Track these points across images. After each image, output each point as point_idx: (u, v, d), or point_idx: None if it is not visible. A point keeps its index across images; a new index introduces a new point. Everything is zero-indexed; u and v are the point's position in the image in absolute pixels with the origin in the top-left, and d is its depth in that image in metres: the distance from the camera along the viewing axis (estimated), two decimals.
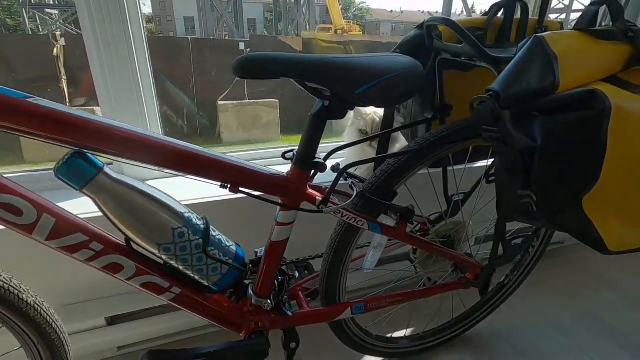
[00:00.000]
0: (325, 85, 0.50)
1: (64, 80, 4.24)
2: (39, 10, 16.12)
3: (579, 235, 0.53)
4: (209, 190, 0.89)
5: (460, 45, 0.58)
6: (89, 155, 0.46)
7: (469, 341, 1.04)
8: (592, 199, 0.49)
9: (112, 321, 0.92)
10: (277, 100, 4.61)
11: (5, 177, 0.44)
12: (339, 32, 18.80)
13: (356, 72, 0.50)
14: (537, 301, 1.18)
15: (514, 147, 0.49)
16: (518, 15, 0.72)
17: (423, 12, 32.47)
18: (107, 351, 0.95)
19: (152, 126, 0.95)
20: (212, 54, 5.82)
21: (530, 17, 0.75)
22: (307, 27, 20.36)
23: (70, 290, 0.89)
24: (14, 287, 0.53)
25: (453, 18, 0.65)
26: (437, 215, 0.83)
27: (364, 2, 32.44)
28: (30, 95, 0.42)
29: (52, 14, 16.80)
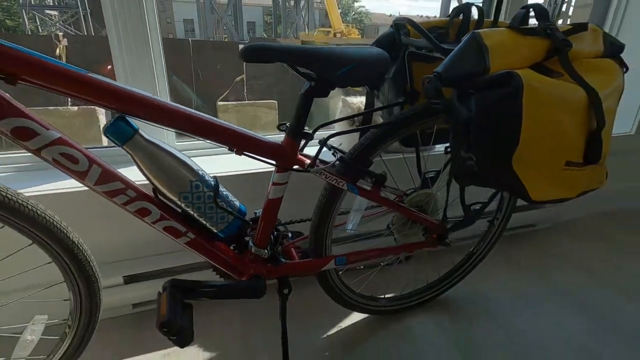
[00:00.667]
0: (312, 69, 0.64)
1: None
2: (39, 12, 16.25)
3: (511, 190, 0.67)
4: (219, 166, 1.04)
5: (419, 40, 0.73)
6: (129, 119, 0.61)
7: (446, 304, 1.17)
8: (517, 159, 0.63)
9: (129, 280, 1.06)
10: (276, 102, 4.74)
11: (66, 135, 0.58)
12: (338, 35, 19.05)
13: (337, 58, 0.64)
14: (509, 276, 1.32)
15: (458, 117, 0.64)
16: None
17: (421, 16, 32.89)
18: (124, 307, 1.08)
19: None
20: (212, 55, 5.97)
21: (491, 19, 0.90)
22: (307, 30, 20.58)
23: (95, 250, 1.02)
24: (63, 228, 0.67)
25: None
26: (412, 190, 0.97)
27: (363, 7, 32.71)
28: (88, 71, 0.56)
29: (52, 15, 16.93)
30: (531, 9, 0.67)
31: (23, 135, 0.54)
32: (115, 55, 0.99)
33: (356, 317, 1.11)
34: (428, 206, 0.97)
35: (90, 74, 0.56)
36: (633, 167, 1.77)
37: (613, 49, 0.74)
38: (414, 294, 1.13)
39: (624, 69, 0.77)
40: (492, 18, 0.89)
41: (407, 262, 1.23)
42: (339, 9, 21.49)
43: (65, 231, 0.68)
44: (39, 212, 0.64)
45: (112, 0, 0.93)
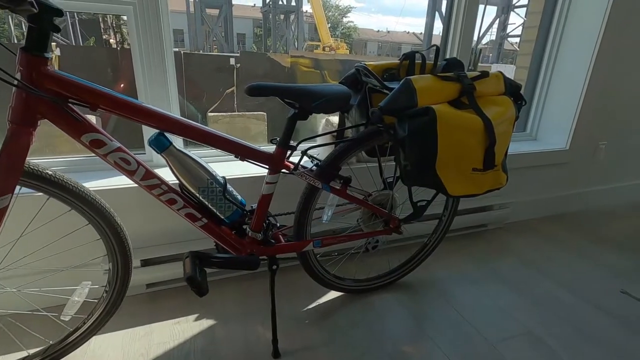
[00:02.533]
0: (295, 101, 0.91)
1: None
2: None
3: (435, 187, 0.95)
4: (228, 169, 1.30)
5: (372, 79, 1.01)
6: (166, 134, 0.86)
7: (406, 286, 1.44)
8: (439, 165, 0.91)
9: (145, 264, 1.29)
10: (265, 113, 4.99)
11: (121, 145, 0.83)
12: (327, 49, 19.57)
13: (312, 94, 0.92)
14: (460, 265, 1.59)
15: (397, 136, 0.91)
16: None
17: (408, 32, 33.93)
18: (139, 287, 1.31)
19: None
20: (203, 67, 6.22)
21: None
22: (296, 43, 21.04)
23: None
24: (112, 213, 0.91)
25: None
26: (375, 191, 1.24)
27: (352, 22, 33.58)
28: (142, 102, 0.82)
29: None
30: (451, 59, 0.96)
31: (98, 145, 0.79)
32: (137, 70, 1.23)
33: (332, 295, 1.36)
34: (387, 204, 1.24)
35: (143, 104, 0.81)
36: (571, 176, 2.10)
37: (512, 89, 1.04)
38: (378, 277, 1.40)
39: (522, 103, 1.06)
40: (432, 62, 1.18)
41: (374, 252, 1.50)
42: (328, 23, 22.06)
43: (113, 215, 0.92)
44: (97, 199, 0.88)
45: (136, 21, 1.17)
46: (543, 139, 2.10)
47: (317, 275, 1.24)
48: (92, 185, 1.15)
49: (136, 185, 0.87)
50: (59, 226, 1.09)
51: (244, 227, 1.06)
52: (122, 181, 1.17)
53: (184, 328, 1.17)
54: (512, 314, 1.30)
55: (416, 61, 1.15)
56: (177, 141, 1.17)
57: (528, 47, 2.09)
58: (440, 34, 1.72)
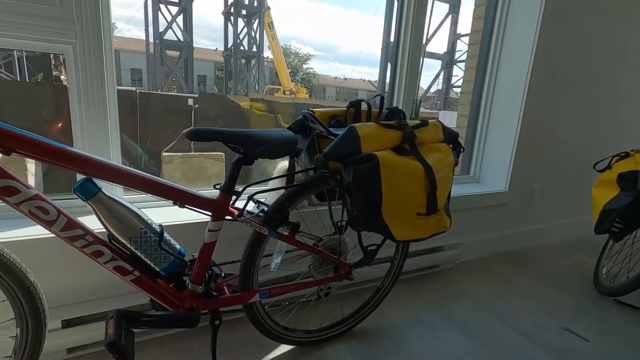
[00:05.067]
0: (240, 146, 0.89)
1: None
2: None
3: (381, 232, 0.95)
4: (166, 215, 1.21)
5: (318, 125, 1.03)
6: (94, 180, 0.79)
7: (359, 335, 1.38)
8: (385, 210, 0.92)
9: (67, 324, 1.13)
10: (223, 154, 4.93)
11: (40, 192, 0.75)
12: (287, 93, 20.23)
13: (258, 139, 0.90)
14: (413, 308, 1.57)
15: (343, 181, 0.91)
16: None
17: (364, 80, 36.20)
18: (59, 352, 1.14)
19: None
20: (161, 107, 6.11)
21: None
22: (257, 87, 21.56)
23: None
24: (23, 268, 0.80)
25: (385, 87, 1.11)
26: (326, 236, 1.22)
27: (311, 68, 35.28)
28: (66, 145, 0.75)
29: None
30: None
31: (8, 193, 0.70)
32: (74, 110, 1.14)
33: (283, 349, 1.27)
34: (339, 249, 1.22)
35: (68, 148, 0.75)
36: (511, 216, 2.23)
37: (451, 137, 1.10)
38: (331, 327, 1.33)
39: (461, 149, 1.13)
40: (378, 109, 1.23)
41: (327, 299, 1.44)
42: (288, 69, 22.99)
43: (24, 272, 0.80)
44: (4, 254, 0.77)
45: (75, 61, 1.11)
46: (485, 181, 2.23)
47: (265, 328, 1.15)
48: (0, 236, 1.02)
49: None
50: None
51: (184, 278, 0.98)
52: (39, 231, 1.05)
53: None
54: (465, 358, 1.28)
55: (362, 109, 1.20)
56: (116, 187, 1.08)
57: (467, 98, 2.29)
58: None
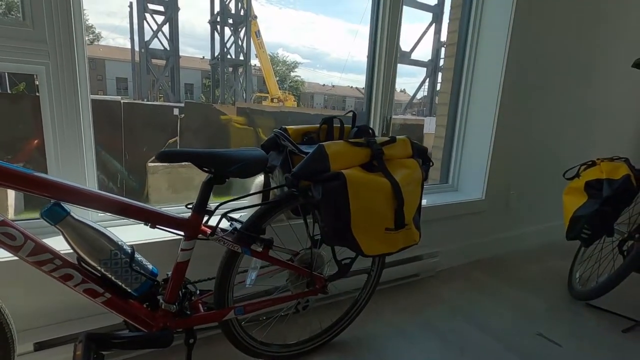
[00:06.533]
0: (210, 167, 0.91)
1: None
2: None
3: (351, 247, 0.97)
4: (137, 235, 1.21)
5: (288, 143, 1.06)
6: (62, 204, 0.80)
7: (338, 347, 1.39)
8: (354, 226, 0.94)
9: (39, 347, 1.11)
10: None
11: (6, 217, 0.75)
12: (275, 101, 20.28)
13: (229, 159, 0.92)
14: (393, 318, 1.59)
15: (312, 199, 0.94)
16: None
17: (351, 87, 36.54)
18: None
19: (89, 184, 1.25)
20: (146, 117, 6.06)
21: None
22: (244, 95, 21.56)
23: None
24: None
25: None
26: (302, 250, 1.24)
27: (299, 76, 35.48)
28: (32, 171, 0.76)
29: None
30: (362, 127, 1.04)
31: None
32: (47, 130, 1.15)
33: None
34: (314, 263, 1.24)
35: (34, 173, 0.75)
36: (489, 224, 2.28)
37: (419, 152, 1.14)
38: (310, 339, 1.34)
39: (430, 164, 1.16)
40: (351, 125, 1.26)
41: (305, 312, 1.46)
42: (276, 77, 23.07)
43: None
44: None
45: (49, 82, 1.11)
46: (463, 189, 2.28)
47: (241, 344, 1.16)
48: None
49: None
50: None
51: (158, 297, 0.98)
52: (4, 253, 1.03)
53: None
54: None
55: (335, 125, 1.22)
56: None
57: (444, 109, 2.35)
58: (401, 90, 1.88)
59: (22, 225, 0.77)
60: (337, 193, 0.90)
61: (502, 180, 2.23)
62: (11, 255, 0.77)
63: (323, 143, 0.96)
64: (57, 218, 0.79)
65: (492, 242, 2.33)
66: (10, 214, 3.00)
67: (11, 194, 2.75)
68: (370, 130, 1.08)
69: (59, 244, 0.84)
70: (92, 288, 0.85)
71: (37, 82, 1.16)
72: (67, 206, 0.81)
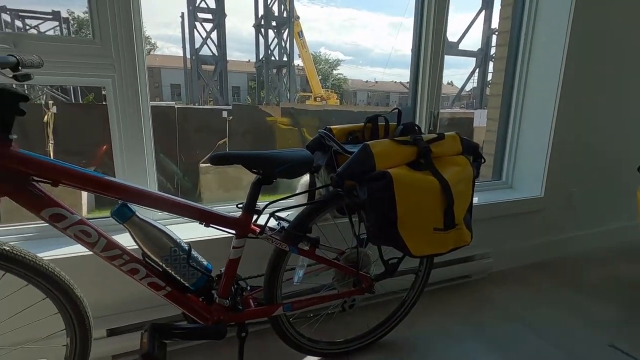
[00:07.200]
0: (259, 168, 0.95)
1: (51, 145, 4.53)
2: None
3: (398, 247, 0.95)
4: (200, 234, 1.29)
5: (333, 143, 1.07)
6: (130, 205, 0.87)
7: (385, 347, 1.38)
8: (400, 225, 0.93)
9: (111, 333, 1.23)
10: None
11: (83, 217, 0.84)
12: (318, 99, 20.45)
13: (276, 160, 0.95)
14: (443, 320, 1.55)
15: (358, 199, 0.94)
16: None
17: (395, 82, 35.71)
18: (105, 359, 1.24)
19: (150, 185, 1.36)
20: (197, 120, 6.42)
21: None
22: (288, 95, 21.98)
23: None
24: (71, 285, 0.90)
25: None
26: (348, 249, 1.24)
27: (341, 74, 35.40)
28: (104, 175, 0.84)
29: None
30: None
31: (58, 219, 0.79)
32: (115, 136, 1.26)
33: None
34: (358, 261, 1.23)
35: (105, 177, 0.83)
36: (548, 224, 2.12)
37: (470, 148, 1.09)
38: (357, 339, 1.34)
39: (482, 160, 1.11)
40: (396, 123, 1.24)
41: (351, 311, 1.46)
42: (318, 75, 23.21)
43: (72, 287, 0.90)
44: (55, 272, 0.87)
45: (114, 93, 1.22)
46: (518, 186, 2.14)
47: (289, 339, 1.19)
48: (49, 255, 1.12)
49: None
50: (15, 301, 1.05)
51: (212, 292, 1.04)
52: (82, 249, 1.15)
53: None
54: None
55: (380, 123, 1.21)
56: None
57: (496, 101, 2.22)
58: (447, 82, 1.83)
59: (94, 224, 0.86)
60: (383, 193, 0.89)
61: (563, 176, 2.06)
62: (87, 250, 0.86)
63: (368, 142, 0.95)
64: (125, 217, 0.86)
65: (551, 243, 2.17)
66: (84, 212, 3.35)
67: (84, 194, 3.05)
68: (417, 128, 1.05)
69: (125, 240, 0.92)
70: (155, 281, 0.93)
71: (103, 92, 1.28)
72: (133, 206, 0.89)
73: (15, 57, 0.78)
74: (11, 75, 0.78)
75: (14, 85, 0.77)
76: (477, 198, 1.93)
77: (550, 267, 2.07)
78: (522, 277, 1.95)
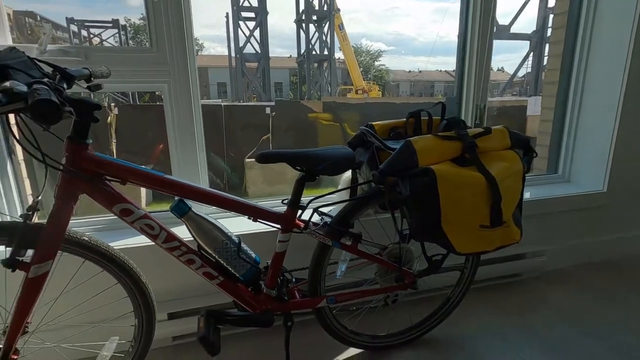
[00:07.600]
0: (302, 166, 0.98)
1: (114, 144, 4.92)
2: None
3: (441, 244, 0.95)
4: (248, 228, 1.36)
5: (374, 140, 1.07)
6: (186, 200, 0.95)
7: (429, 343, 1.37)
8: (444, 222, 0.92)
9: (171, 316, 1.35)
10: None
11: (147, 211, 0.93)
12: (360, 92, 20.24)
13: (318, 158, 0.98)
14: (490, 320, 1.50)
15: (400, 195, 0.94)
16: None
17: (440, 71, 34.28)
18: (165, 340, 1.37)
19: (202, 181, 1.45)
20: (242, 117, 6.68)
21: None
22: (329, 89, 21.98)
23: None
24: (138, 272, 1.00)
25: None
26: (391, 244, 1.25)
27: (383, 65, 34.65)
28: (163, 173, 0.92)
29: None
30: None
31: (127, 214, 0.89)
32: (171, 137, 1.37)
33: (351, 351, 1.33)
34: (401, 257, 1.24)
35: (165, 176, 0.92)
36: (608, 221, 1.95)
37: (519, 142, 1.04)
38: (399, 333, 1.35)
39: (533, 154, 1.06)
40: (440, 117, 1.22)
41: (394, 306, 1.46)
42: (360, 67, 22.94)
43: (139, 274, 1.00)
44: (125, 261, 0.97)
45: (170, 96, 1.32)
46: (577, 180, 2.00)
47: (333, 330, 1.23)
48: (119, 244, 1.25)
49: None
50: (91, 285, 1.19)
51: (260, 283, 1.11)
52: (145, 240, 1.26)
53: None
54: None
55: (423, 118, 1.19)
56: None
57: (551, 89, 2.07)
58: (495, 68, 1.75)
59: (156, 217, 0.95)
60: (426, 189, 0.89)
61: (629, 170, 1.88)
62: (150, 241, 0.95)
63: (410, 138, 0.95)
64: (182, 212, 0.95)
65: (613, 241, 2.00)
66: (143, 204, 3.64)
67: (143, 189, 3.31)
68: (462, 122, 1.02)
69: (182, 233, 1.00)
70: (209, 271, 1.00)
71: (157, 93, 1.38)
72: (189, 202, 0.97)
73: (88, 69, 0.89)
74: (85, 86, 0.88)
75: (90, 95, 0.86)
76: (529, 193, 1.83)
77: (612, 267, 1.91)
78: (578, 277, 1.83)
